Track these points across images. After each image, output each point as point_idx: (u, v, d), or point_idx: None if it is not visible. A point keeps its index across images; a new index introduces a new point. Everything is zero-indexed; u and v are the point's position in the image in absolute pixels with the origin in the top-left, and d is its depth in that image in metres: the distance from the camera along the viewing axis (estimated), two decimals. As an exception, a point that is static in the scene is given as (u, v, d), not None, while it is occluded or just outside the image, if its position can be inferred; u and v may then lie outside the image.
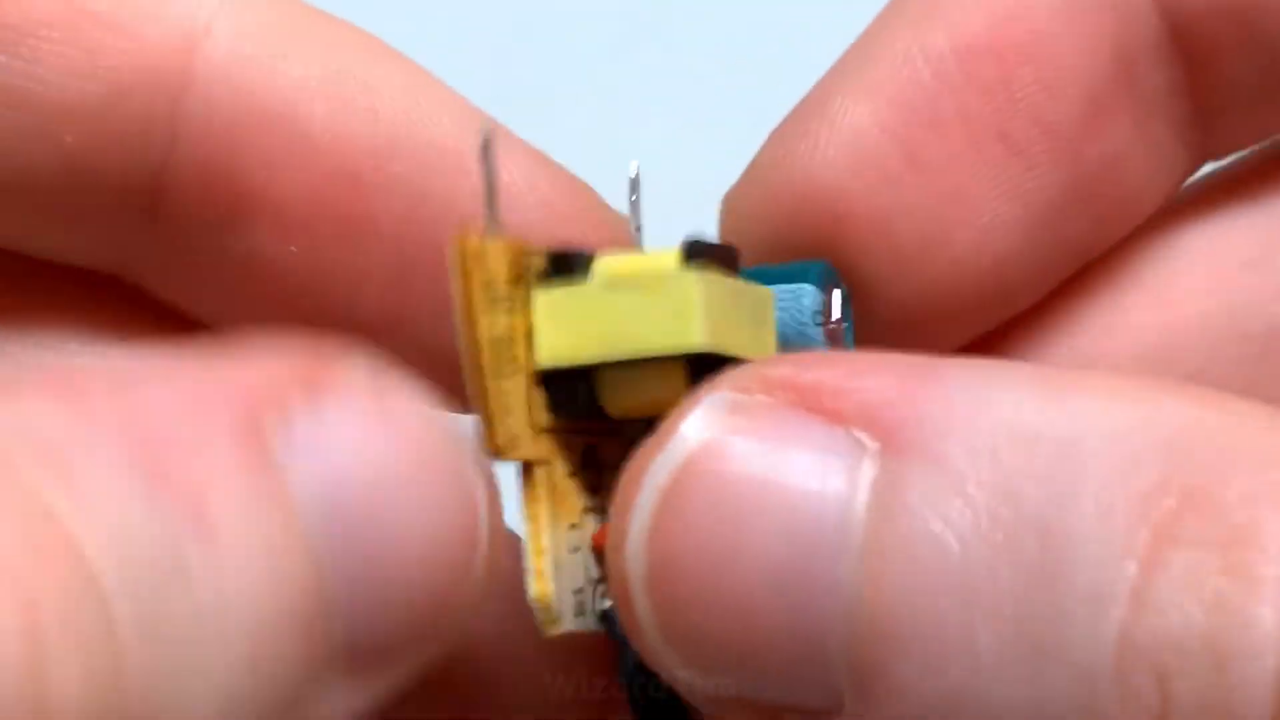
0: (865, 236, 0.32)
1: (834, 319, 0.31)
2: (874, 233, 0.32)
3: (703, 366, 0.28)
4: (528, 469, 0.29)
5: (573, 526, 0.30)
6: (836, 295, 0.31)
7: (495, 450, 0.28)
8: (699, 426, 0.27)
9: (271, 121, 0.31)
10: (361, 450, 0.26)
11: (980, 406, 0.26)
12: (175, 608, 0.24)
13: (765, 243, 0.32)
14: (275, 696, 0.25)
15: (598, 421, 0.30)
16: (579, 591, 0.30)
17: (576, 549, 0.30)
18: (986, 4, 0.32)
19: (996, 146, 0.32)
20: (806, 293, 0.31)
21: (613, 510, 0.27)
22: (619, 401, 0.29)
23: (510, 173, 0.31)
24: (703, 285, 0.28)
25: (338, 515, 0.26)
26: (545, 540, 0.29)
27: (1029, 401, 0.26)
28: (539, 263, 0.29)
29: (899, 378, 0.27)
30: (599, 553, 0.30)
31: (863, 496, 0.26)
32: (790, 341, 0.31)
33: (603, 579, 0.30)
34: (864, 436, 0.26)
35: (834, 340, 0.31)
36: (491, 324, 0.28)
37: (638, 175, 0.32)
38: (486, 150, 0.29)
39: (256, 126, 0.31)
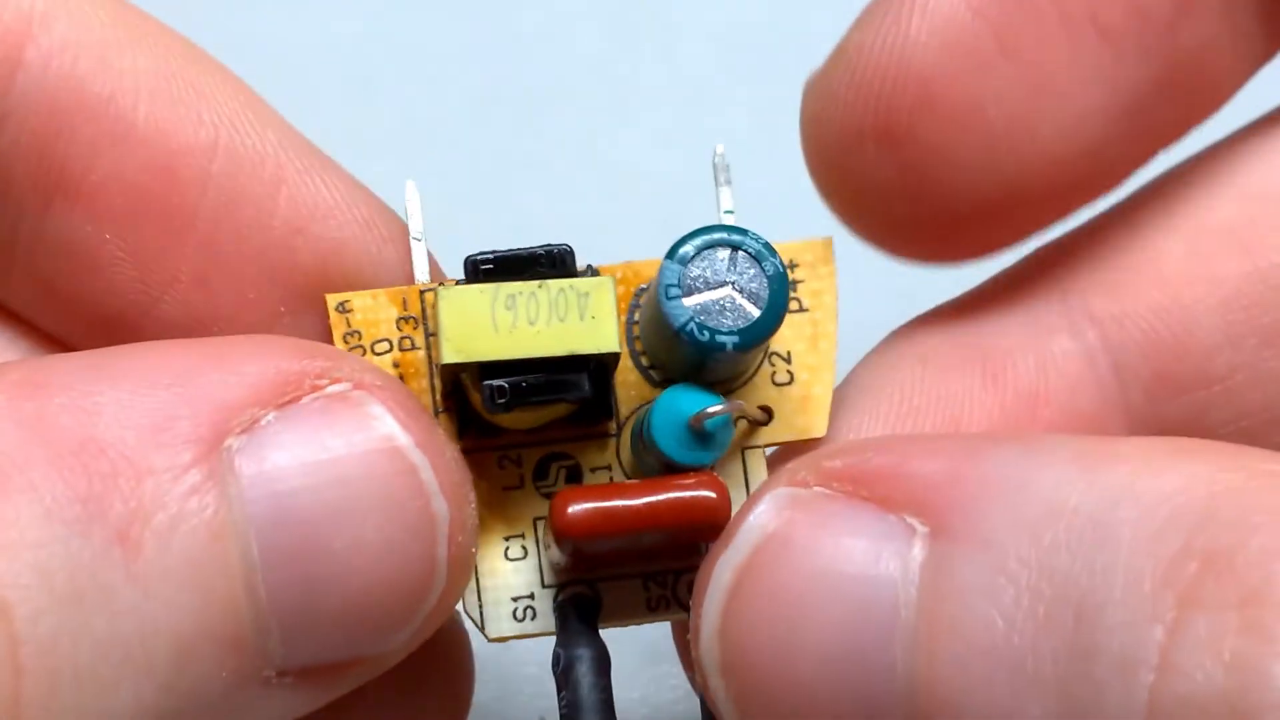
0: (955, 121, 0.31)
1: (722, 278, 0.29)
2: (964, 118, 0.31)
3: (496, 372, 0.29)
4: None
5: (515, 537, 0.31)
6: (721, 255, 0.29)
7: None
8: (762, 521, 0.29)
9: (96, 109, 0.32)
10: (317, 476, 0.28)
11: (1022, 485, 0.27)
12: (93, 634, 0.27)
13: (850, 127, 0.32)
14: (199, 710, 0.29)
15: (500, 436, 0.31)
16: (521, 599, 0.30)
17: (520, 558, 0.31)
18: None
19: (1090, 33, 0.31)
20: (662, 269, 0.29)
21: (692, 602, 0.30)
22: (494, 418, 0.30)
23: (333, 195, 0.32)
24: (447, 305, 0.29)
25: (283, 541, 0.28)
26: None
27: (1067, 477, 0.27)
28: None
29: (947, 461, 0.28)
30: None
31: (914, 578, 0.28)
32: (658, 317, 0.30)
33: (563, 585, 0.31)
34: (915, 521, 0.28)
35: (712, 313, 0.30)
36: (357, 369, 0.31)
37: (724, 159, 0.32)
38: (412, 206, 0.32)
39: (81, 112, 0.32)
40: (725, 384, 0.32)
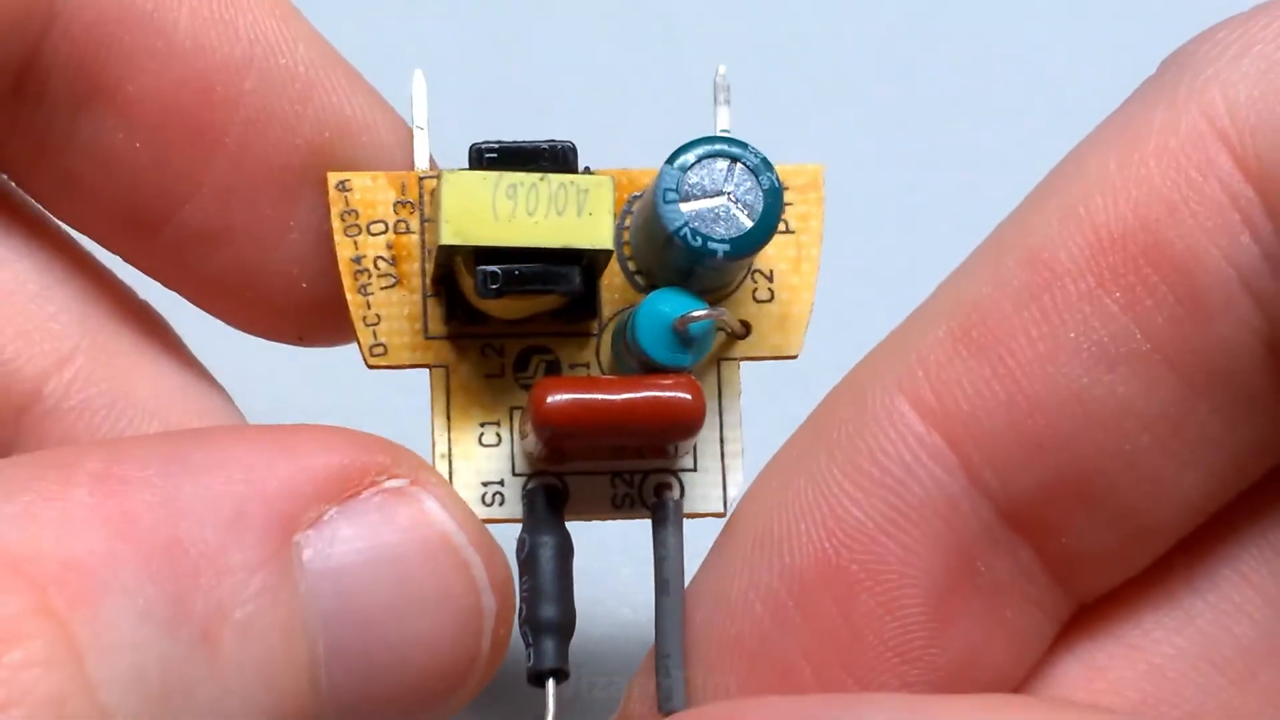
0: None
1: (719, 187, 0.31)
2: None
3: (491, 259, 0.30)
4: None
5: (491, 424, 0.31)
6: (720, 165, 0.30)
7: (365, 358, 0.31)
8: None
9: (139, 21, 0.33)
10: (378, 572, 0.29)
11: None
12: None
13: None
14: None
15: (485, 324, 0.32)
16: (491, 484, 0.31)
17: (494, 444, 0.31)
18: (811, 526, 0.32)
19: (848, 681, 0.32)
20: (661, 173, 0.30)
21: None
22: (481, 304, 0.31)
23: (358, 115, 0.33)
24: (450, 188, 0.30)
25: (346, 635, 0.29)
26: (439, 436, 0.31)
27: None
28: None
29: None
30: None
31: None
32: (653, 220, 0.31)
33: (533, 475, 0.31)
34: None
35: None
36: (350, 247, 0.32)
37: (724, 79, 0.32)
38: (417, 95, 0.32)
39: (124, 24, 0.33)
40: (708, 296, 0.32)
